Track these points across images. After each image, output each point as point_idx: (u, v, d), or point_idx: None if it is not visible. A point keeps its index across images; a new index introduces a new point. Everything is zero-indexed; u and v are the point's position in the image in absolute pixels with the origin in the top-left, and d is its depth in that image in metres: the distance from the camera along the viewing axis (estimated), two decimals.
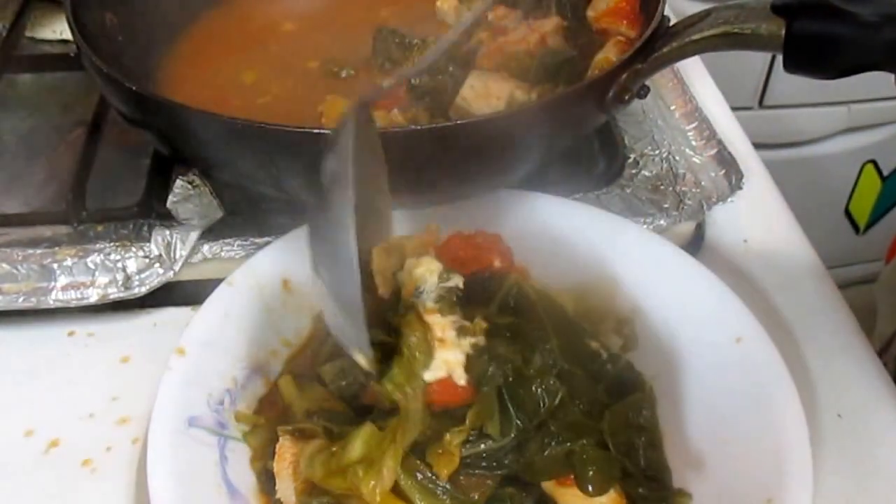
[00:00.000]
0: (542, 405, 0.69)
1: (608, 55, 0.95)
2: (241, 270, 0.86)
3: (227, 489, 0.73)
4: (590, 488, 0.68)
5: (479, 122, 0.84)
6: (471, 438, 0.68)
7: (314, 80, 1.07)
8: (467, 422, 0.68)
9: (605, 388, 0.73)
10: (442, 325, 0.69)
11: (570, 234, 0.90)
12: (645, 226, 0.97)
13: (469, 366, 0.69)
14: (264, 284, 0.86)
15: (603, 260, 0.88)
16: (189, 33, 1.13)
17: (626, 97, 0.87)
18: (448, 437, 0.68)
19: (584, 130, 1.01)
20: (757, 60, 1.96)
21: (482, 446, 0.68)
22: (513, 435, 0.68)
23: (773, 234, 1.04)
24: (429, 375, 0.68)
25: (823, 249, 1.02)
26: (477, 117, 0.89)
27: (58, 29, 1.27)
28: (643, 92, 0.89)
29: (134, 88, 0.85)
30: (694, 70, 1.24)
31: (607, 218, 0.92)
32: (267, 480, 0.75)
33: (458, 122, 0.89)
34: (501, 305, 0.75)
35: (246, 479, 0.75)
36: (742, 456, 0.73)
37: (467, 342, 0.69)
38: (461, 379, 0.68)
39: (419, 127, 0.84)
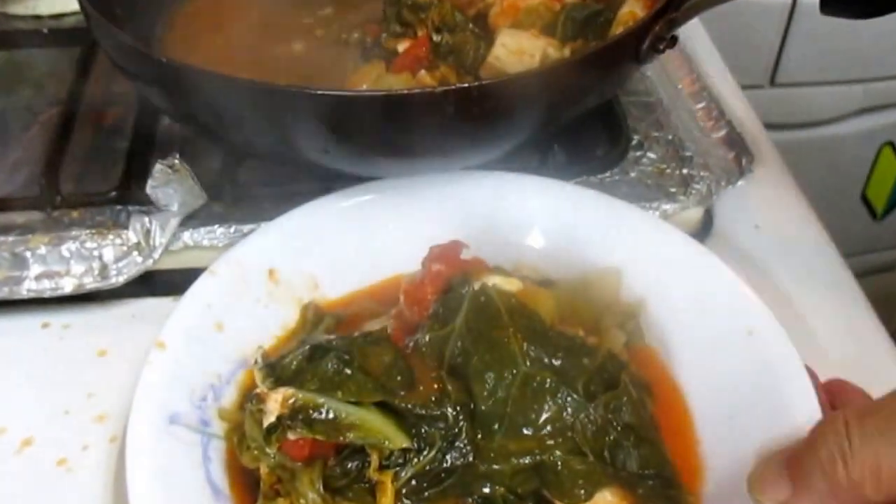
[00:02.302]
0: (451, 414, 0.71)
1: (632, 9, 0.97)
2: (225, 259, 0.85)
3: (211, 490, 0.72)
4: (565, 502, 0.69)
5: (526, 77, 0.87)
6: (396, 462, 0.70)
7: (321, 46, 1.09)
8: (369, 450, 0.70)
9: (584, 387, 0.72)
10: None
11: (571, 221, 0.90)
12: (650, 211, 0.96)
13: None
14: (249, 274, 0.85)
15: (607, 248, 0.88)
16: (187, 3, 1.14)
17: (661, 46, 0.89)
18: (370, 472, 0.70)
19: (620, 85, 1.05)
20: (769, 33, 1.95)
21: (415, 461, 0.70)
22: (429, 447, 0.70)
23: (786, 221, 1.04)
24: None
25: (839, 236, 1.02)
26: (522, 73, 0.91)
27: (30, 4, 1.27)
28: (673, 41, 0.91)
29: (164, 60, 0.85)
30: (701, 45, 1.24)
31: (611, 203, 0.91)
32: (252, 482, 0.74)
33: (508, 77, 0.92)
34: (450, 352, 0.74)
35: (231, 479, 0.74)
36: (754, 451, 0.72)
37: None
38: None
39: (468, 85, 0.83)
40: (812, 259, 0.99)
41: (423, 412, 0.70)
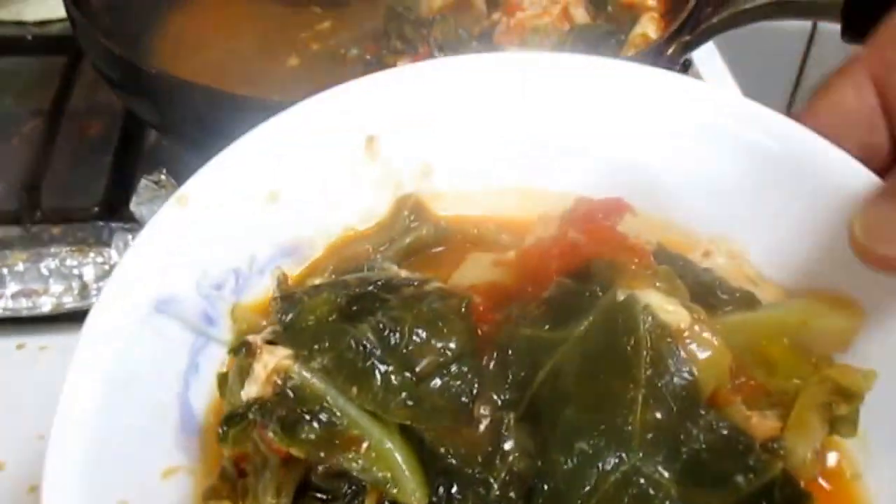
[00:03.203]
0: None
1: (645, 31, 0.97)
2: (311, 110, 0.65)
3: (180, 414, 0.57)
4: None
5: None
6: None
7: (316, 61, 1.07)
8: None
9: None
10: None
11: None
12: None
13: None
14: (339, 135, 0.65)
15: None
16: (177, 13, 1.12)
17: (674, 70, 0.87)
18: None
19: None
20: (788, 59, 1.96)
21: None
22: None
23: None
24: None
25: None
26: None
27: (14, 9, 1.26)
28: (686, 66, 0.92)
29: (153, 70, 0.85)
30: (716, 70, 1.24)
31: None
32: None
33: None
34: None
35: (215, 408, 0.59)
36: None
37: None
38: None
39: None
40: None
41: (464, 466, 0.49)
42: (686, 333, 0.51)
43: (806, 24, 1.80)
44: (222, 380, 0.57)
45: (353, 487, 0.51)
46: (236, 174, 0.61)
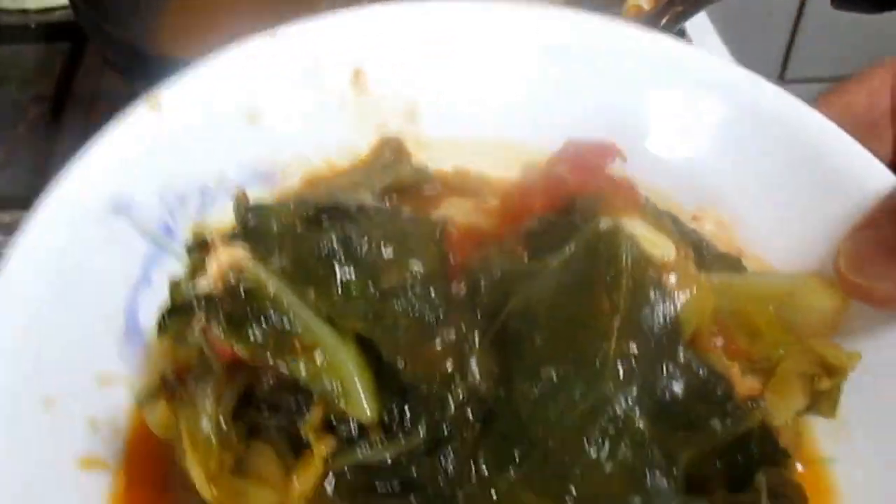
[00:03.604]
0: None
1: (638, 2, 0.96)
2: (295, 40, 0.63)
3: (125, 322, 0.53)
4: None
5: None
6: (347, 432, 0.47)
7: None
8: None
9: (692, 464, 0.47)
10: None
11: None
12: None
13: None
14: (325, 67, 0.63)
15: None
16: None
17: None
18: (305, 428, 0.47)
19: None
20: (779, 28, 1.95)
21: (372, 448, 0.46)
22: (402, 438, 0.46)
23: None
24: None
25: None
26: None
27: None
28: (679, 35, 0.89)
29: (157, 55, 0.84)
30: (709, 40, 1.24)
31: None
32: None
33: None
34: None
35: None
36: None
37: None
38: None
39: None
40: None
41: (421, 384, 0.46)
42: (671, 268, 0.48)
43: None
44: (175, 287, 0.52)
45: (299, 403, 0.48)
46: (216, 87, 0.59)
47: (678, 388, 0.46)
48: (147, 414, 0.51)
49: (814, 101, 0.64)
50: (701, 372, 0.46)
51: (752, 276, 0.57)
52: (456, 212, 0.57)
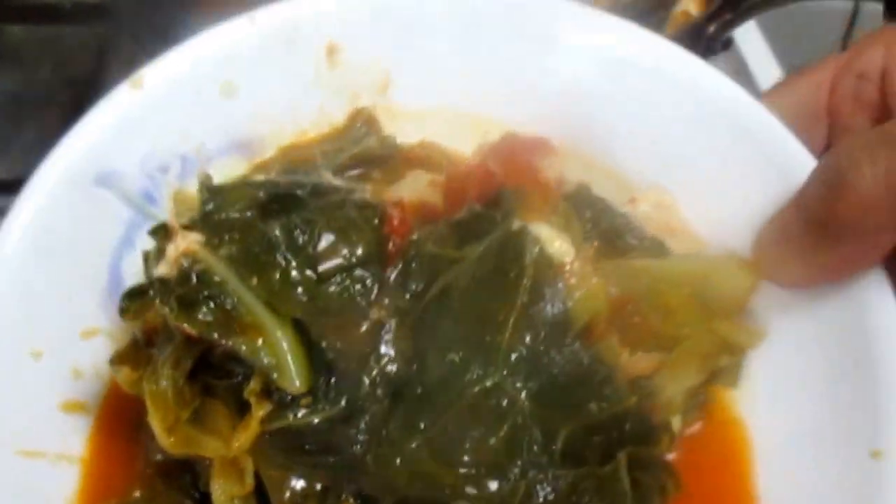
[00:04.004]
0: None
1: (686, 8, 0.97)
2: (271, 13, 0.68)
3: (108, 279, 0.60)
4: None
5: None
6: (283, 398, 0.54)
7: None
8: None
9: (567, 441, 0.54)
10: None
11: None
12: None
13: None
14: (299, 41, 0.67)
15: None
16: None
17: (716, 49, 0.90)
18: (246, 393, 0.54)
19: None
20: (829, 39, 1.93)
21: (299, 413, 0.54)
22: (325, 405, 0.54)
23: None
24: None
25: None
26: None
27: None
28: (727, 44, 0.92)
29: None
30: (757, 49, 1.22)
31: None
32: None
33: None
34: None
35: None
36: None
37: None
38: None
39: None
40: None
41: (342, 362, 0.54)
42: (568, 268, 0.55)
43: (848, 4, 1.78)
44: (147, 258, 0.59)
45: (244, 371, 0.55)
46: (195, 64, 0.64)
47: (561, 373, 0.53)
48: (115, 373, 0.58)
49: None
50: (583, 359, 0.54)
51: (672, 259, 0.62)
52: (412, 186, 0.61)
